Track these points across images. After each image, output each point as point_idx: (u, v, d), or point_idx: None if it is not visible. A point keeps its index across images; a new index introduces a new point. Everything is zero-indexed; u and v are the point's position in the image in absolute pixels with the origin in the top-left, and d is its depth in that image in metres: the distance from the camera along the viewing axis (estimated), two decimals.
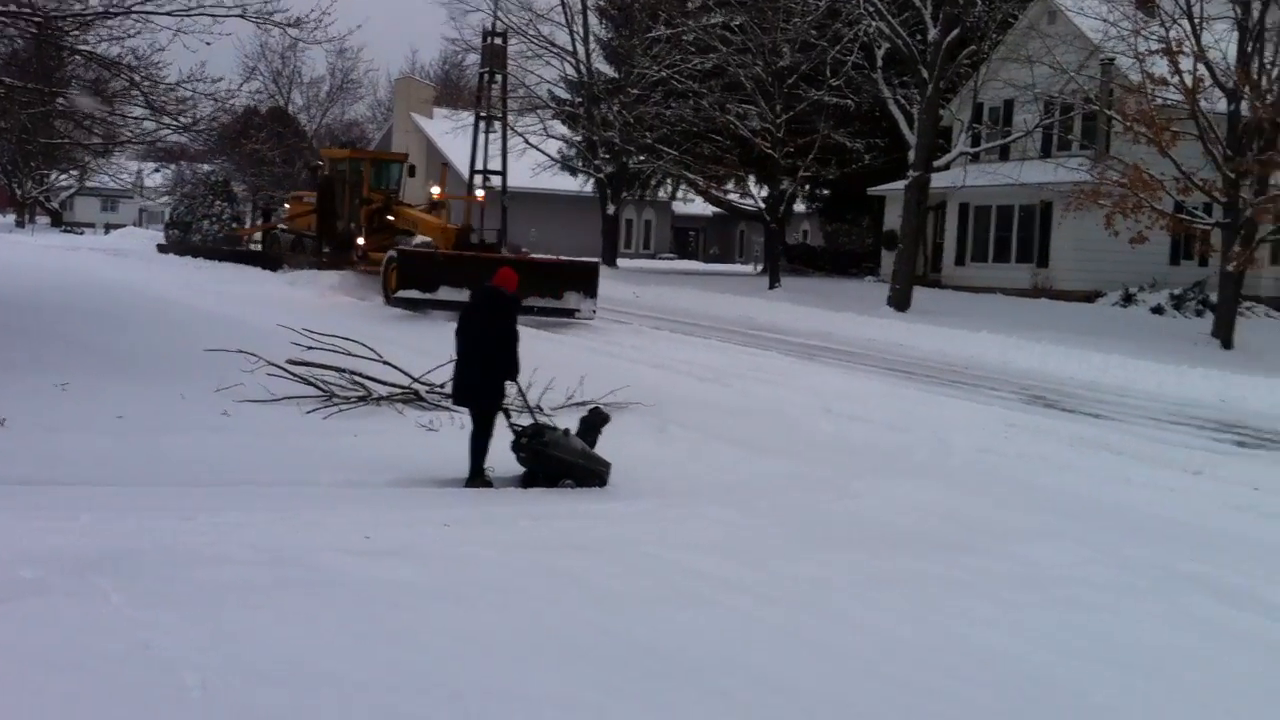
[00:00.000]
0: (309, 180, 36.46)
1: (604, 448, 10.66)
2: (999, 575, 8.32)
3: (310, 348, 13.63)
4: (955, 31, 31.42)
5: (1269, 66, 26.26)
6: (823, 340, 24.27)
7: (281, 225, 33.18)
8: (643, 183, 48.12)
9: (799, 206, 49.94)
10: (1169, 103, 27.05)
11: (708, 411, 14.26)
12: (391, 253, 23.34)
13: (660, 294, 32.37)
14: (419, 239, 25.46)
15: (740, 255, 68.21)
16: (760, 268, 46.80)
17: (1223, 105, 27.00)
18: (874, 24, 31.84)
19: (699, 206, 61.03)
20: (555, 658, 6.06)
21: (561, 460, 10.37)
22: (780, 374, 18.13)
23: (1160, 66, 26.41)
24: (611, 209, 43.54)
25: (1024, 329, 25.35)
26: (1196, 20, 26.57)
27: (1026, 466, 12.44)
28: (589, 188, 46.85)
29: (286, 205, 33.20)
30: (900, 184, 33.96)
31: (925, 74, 31.22)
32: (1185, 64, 26.08)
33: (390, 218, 26.78)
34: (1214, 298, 29.19)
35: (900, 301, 30.90)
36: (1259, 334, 28.13)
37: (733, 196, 48.42)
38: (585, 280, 23.28)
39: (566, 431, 10.62)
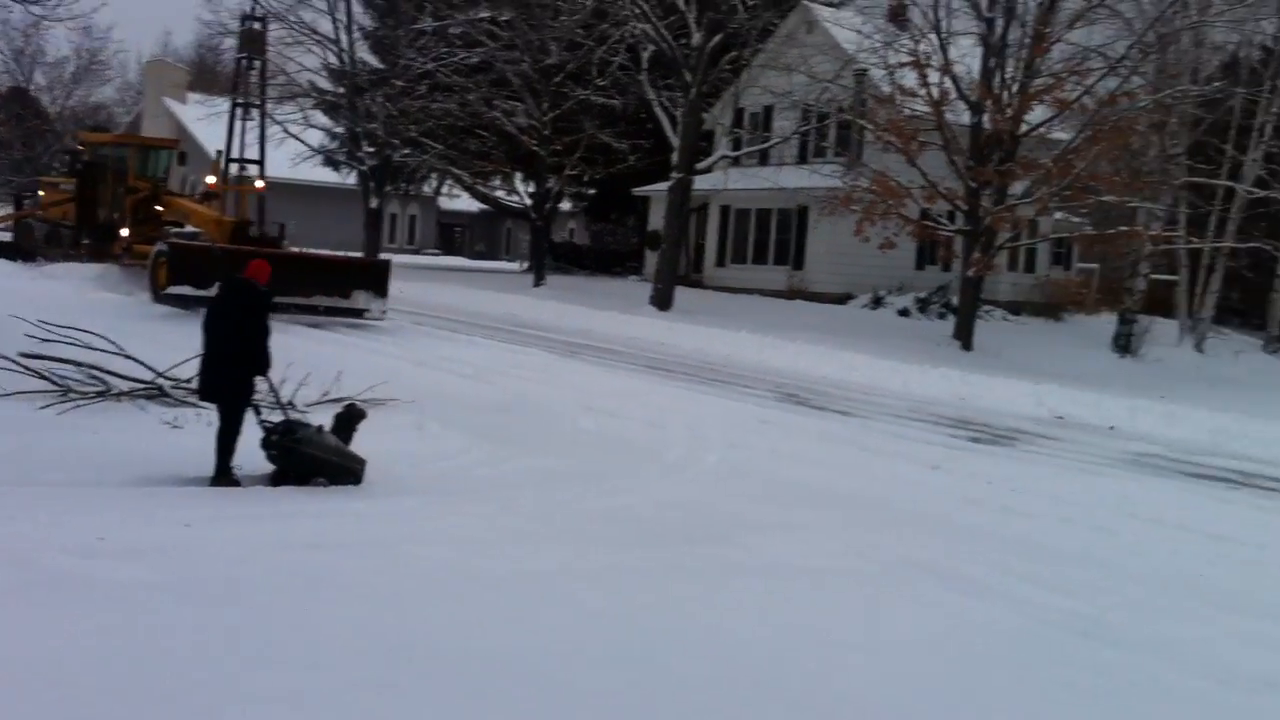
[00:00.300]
0: (67, 165, 34.03)
1: (360, 445, 10.42)
2: (747, 566, 8.55)
3: (46, 340, 12.85)
4: (718, 37, 32.13)
5: (1009, 81, 27.77)
6: (585, 338, 24.44)
7: (37, 213, 30.48)
8: (407, 177, 47.37)
9: (565, 205, 50.13)
10: (917, 114, 28.31)
11: (469, 408, 14.14)
12: (161, 245, 21.65)
13: (424, 290, 31.97)
14: (190, 231, 24.50)
15: (507, 253, 68.04)
16: (526, 265, 46.77)
17: (966, 117, 28.43)
18: (640, 26, 32.23)
19: (465, 202, 60.53)
20: (299, 655, 5.93)
21: (314, 457, 10.07)
22: (542, 371, 18.17)
23: (909, 79, 27.62)
24: (375, 202, 42.69)
25: (780, 329, 26.13)
26: (944, 35, 27.90)
27: (778, 462, 12.80)
28: (352, 180, 45.83)
29: (41, 193, 30.66)
30: (664, 185, 34.51)
31: (689, 78, 31.82)
32: (933, 77, 27.33)
33: (159, 208, 25.25)
34: (956, 301, 30.74)
35: (662, 301, 31.41)
36: (996, 336, 29.76)
37: (499, 193, 48.25)
38: (375, 279, 22.42)
39: (320, 428, 10.33)
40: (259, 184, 28.39)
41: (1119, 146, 28.79)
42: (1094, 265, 43.27)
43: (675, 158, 32.70)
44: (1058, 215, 35.12)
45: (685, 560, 8.51)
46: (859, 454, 13.62)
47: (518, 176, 44.60)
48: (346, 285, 21.81)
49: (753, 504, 10.72)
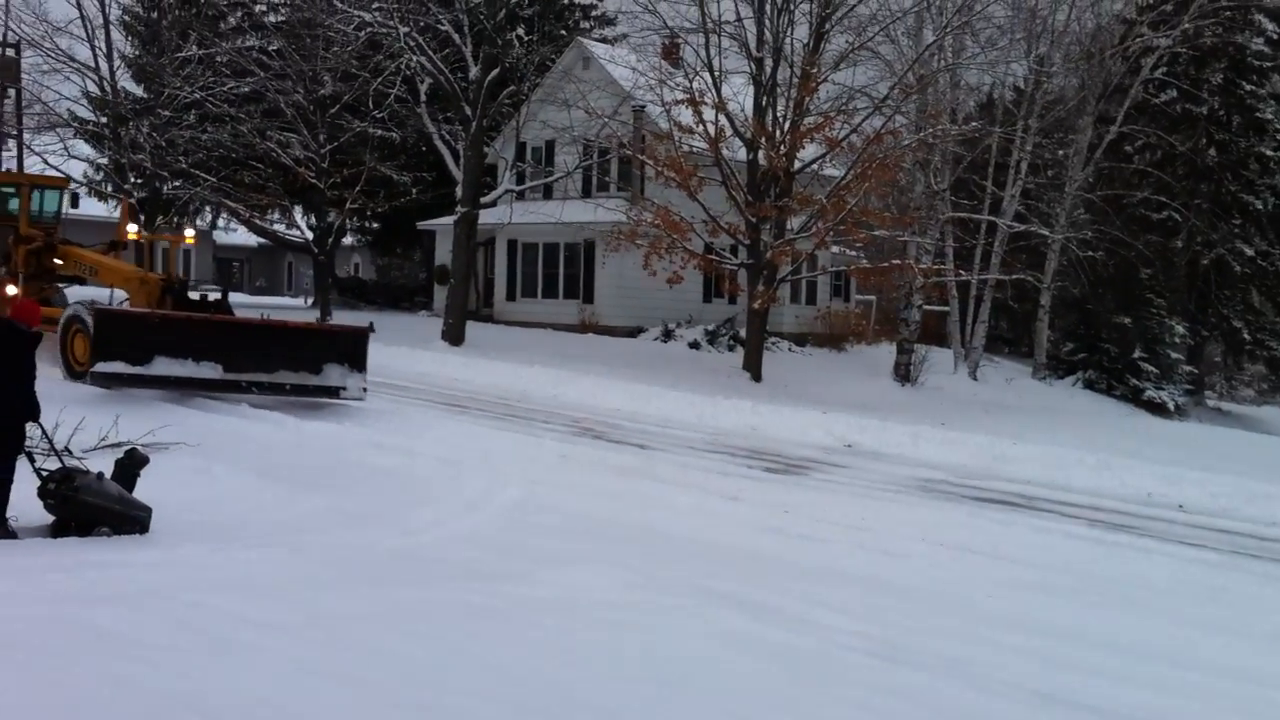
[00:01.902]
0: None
1: (144, 492, 9.87)
2: (542, 601, 8.44)
3: None
4: (496, 71, 32.12)
5: (781, 119, 28.63)
6: (376, 374, 23.81)
7: None
8: (179, 209, 45.62)
9: (348, 239, 49.09)
10: (695, 150, 28.90)
11: (256, 450, 13.61)
12: (77, 310, 17.33)
13: None
14: (117, 294, 20.37)
15: (289, 288, 66.25)
16: (310, 301, 45.57)
17: (743, 154, 29.17)
18: (415, 58, 31.91)
19: (244, 236, 58.67)
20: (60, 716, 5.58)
21: (96, 506, 9.49)
22: (331, 409, 17.65)
23: (686, 116, 28.17)
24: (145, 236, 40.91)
25: (573, 363, 26.18)
26: (717, 73, 28.59)
27: (576, 496, 12.74)
28: (119, 213, 43.83)
29: None
30: (450, 219, 34.21)
31: (469, 111, 31.68)
32: (708, 114, 27.93)
33: (58, 260, 21.06)
34: (744, 333, 31.41)
35: (454, 336, 31.07)
36: (783, 367, 30.54)
37: (279, 227, 46.90)
38: (351, 350, 18.33)
39: (100, 475, 9.74)
40: (189, 235, 22.61)
41: (887, 183, 30.05)
42: (871, 297, 44.96)
43: (460, 191, 32.46)
44: (835, 249, 36.42)
45: (490, 600, 8.35)
46: (658, 486, 13.68)
47: (297, 210, 43.46)
48: (317, 358, 17.84)
49: (552, 539, 10.63)
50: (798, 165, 28.67)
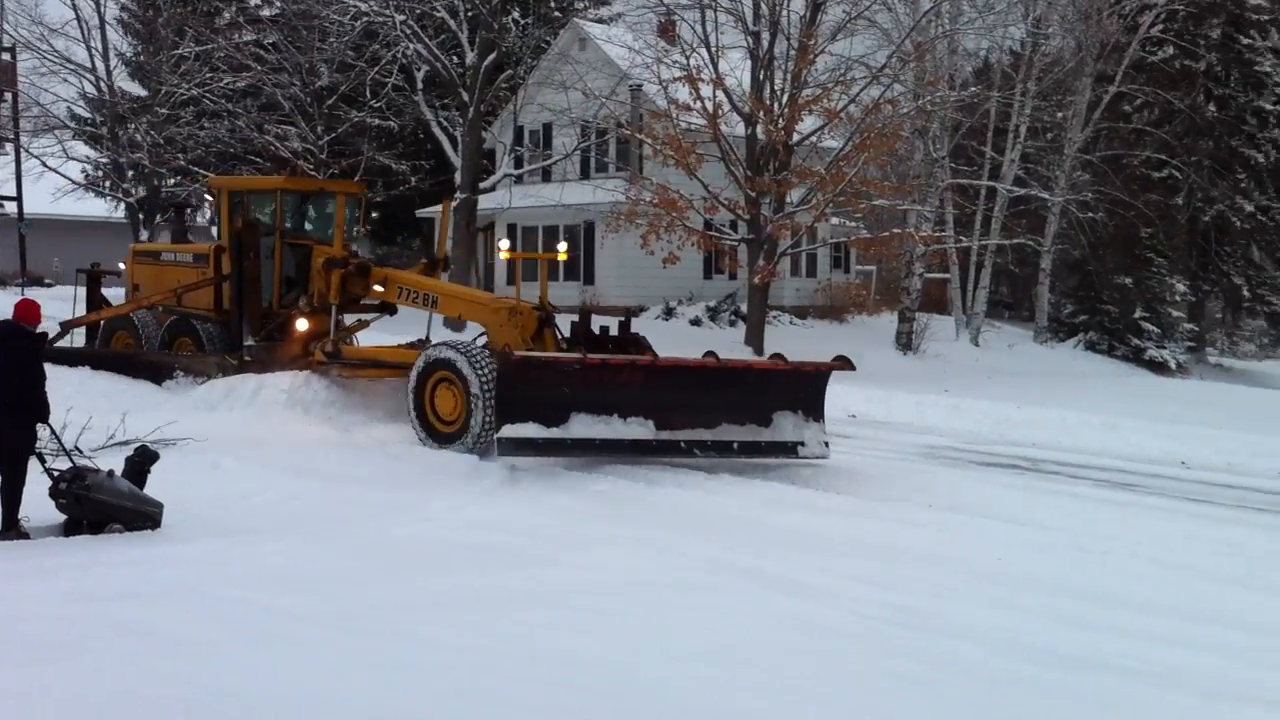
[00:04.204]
0: (174, 224, 24.86)
1: (154, 488, 9.95)
2: (576, 584, 8.49)
3: None
4: (492, 55, 32.08)
5: (779, 93, 28.60)
6: None
7: (148, 302, 18.20)
8: (179, 206, 45.63)
9: None
10: (693, 127, 28.88)
11: (261, 443, 13.62)
12: (444, 354, 13.71)
13: None
14: (475, 335, 15.59)
15: None
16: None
17: (741, 129, 29.14)
18: (412, 46, 31.90)
19: None
20: (124, 715, 5.61)
21: (107, 504, 9.56)
22: (342, 398, 17.60)
23: (683, 93, 28.15)
24: (145, 234, 40.99)
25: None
26: (713, 49, 28.56)
27: (593, 478, 12.74)
28: (120, 212, 43.87)
29: (122, 265, 19.98)
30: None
31: (466, 97, 31.66)
32: (706, 90, 27.91)
33: (377, 287, 16.59)
34: (745, 308, 31.44)
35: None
36: (786, 340, 30.41)
37: None
38: (806, 393, 14.51)
39: (111, 473, 9.82)
40: (562, 250, 16.71)
41: (886, 152, 30.05)
42: (871, 267, 44.99)
43: (458, 178, 32.46)
44: (834, 221, 36.44)
45: (526, 585, 8.36)
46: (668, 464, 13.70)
47: None
48: (763, 405, 14.15)
49: (576, 522, 10.65)
50: (796, 138, 28.67)
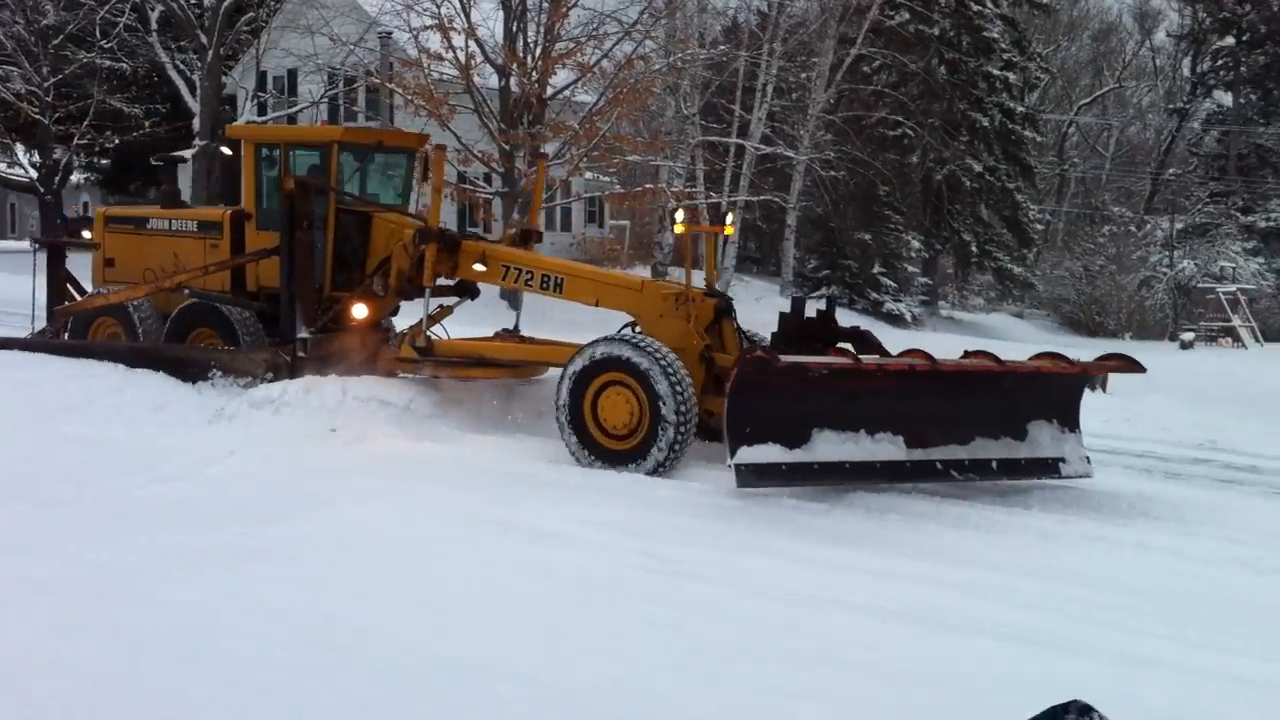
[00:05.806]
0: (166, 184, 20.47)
1: None
2: (313, 538, 8.34)
3: None
4: None
5: (532, 45, 28.45)
6: None
7: (172, 283, 13.97)
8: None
9: (76, 177, 46.44)
10: (446, 77, 28.45)
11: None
12: (618, 350, 11.44)
13: None
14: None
15: (13, 230, 62.15)
16: (38, 245, 42.88)
17: (495, 81, 28.89)
18: None
19: None
20: None
21: None
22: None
23: (435, 42, 27.67)
24: None
25: None
26: None
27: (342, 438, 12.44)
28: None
29: (86, 234, 16.12)
30: (188, 152, 32.77)
31: (204, 39, 30.38)
32: (458, 40, 27.51)
33: (479, 266, 13.18)
34: None
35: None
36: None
37: None
38: (1059, 398, 11.82)
39: None
40: (730, 224, 14.81)
41: (638, 108, 30.41)
42: (625, 222, 45.49)
43: (197, 124, 31.12)
44: (588, 175, 36.62)
45: (260, 542, 8.15)
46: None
47: (19, 147, 40.85)
48: (1016, 414, 11.49)
49: (332, 479, 10.41)
50: (550, 92, 28.61)
